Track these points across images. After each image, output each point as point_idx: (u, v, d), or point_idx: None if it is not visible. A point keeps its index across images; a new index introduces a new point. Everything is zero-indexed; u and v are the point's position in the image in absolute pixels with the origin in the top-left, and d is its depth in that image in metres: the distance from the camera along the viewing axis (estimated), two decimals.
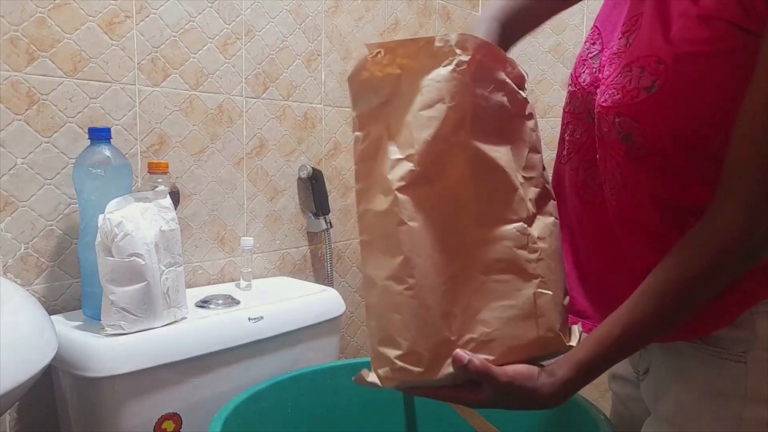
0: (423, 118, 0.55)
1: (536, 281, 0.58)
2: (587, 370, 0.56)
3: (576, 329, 0.62)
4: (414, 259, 0.54)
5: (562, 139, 0.70)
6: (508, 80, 0.59)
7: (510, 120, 0.59)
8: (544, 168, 0.62)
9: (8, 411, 0.90)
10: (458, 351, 0.55)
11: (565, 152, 0.69)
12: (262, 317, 0.96)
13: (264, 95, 1.21)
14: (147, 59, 1.02)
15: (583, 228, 0.68)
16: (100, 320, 0.83)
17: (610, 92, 0.58)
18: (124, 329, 0.82)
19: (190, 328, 0.89)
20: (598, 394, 1.00)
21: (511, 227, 0.58)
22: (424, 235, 0.55)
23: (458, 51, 0.56)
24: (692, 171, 0.55)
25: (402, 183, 0.54)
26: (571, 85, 0.67)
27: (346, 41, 1.36)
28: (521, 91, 0.61)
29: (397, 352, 0.54)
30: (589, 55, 0.64)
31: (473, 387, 0.56)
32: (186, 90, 1.08)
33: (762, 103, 0.49)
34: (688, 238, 0.53)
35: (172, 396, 0.86)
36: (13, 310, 0.67)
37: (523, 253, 0.58)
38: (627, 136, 0.56)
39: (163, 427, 0.86)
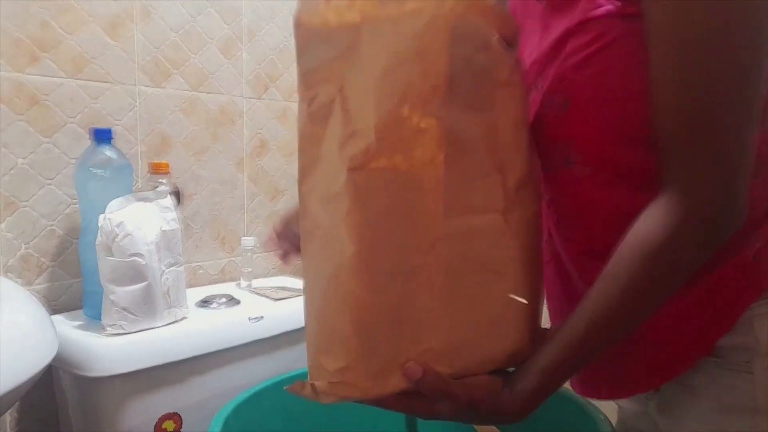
0: (387, 82, 0.44)
1: (508, 285, 0.50)
2: (553, 378, 0.51)
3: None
4: (366, 253, 0.45)
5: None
6: (495, 39, 0.48)
7: (493, 89, 0.48)
8: (529, 146, 0.53)
9: (9, 411, 0.90)
10: (411, 363, 0.47)
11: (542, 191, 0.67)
12: (262, 317, 0.96)
13: (265, 96, 1.21)
14: (148, 60, 1.03)
15: (561, 267, 0.64)
16: (101, 320, 0.83)
17: (539, 126, 0.57)
18: (124, 329, 0.82)
19: (190, 328, 0.89)
20: None
21: (482, 219, 0.48)
22: (380, 225, 0.45)
23: (434, 3, 0.44)
24: (645, 171, 0.53)
25: (356, 162, 0.44)
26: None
27: None
28: (511, 50, 0.50)
29: (338, 365, 0.46)
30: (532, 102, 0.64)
31: (427, 403, 0.50)
32: (187, 91, 1.09)
33: (665, 75, 0.47)
34: (643, 216, 0.50)
35: (172, 396, 0.86)
36: (14, 310, 0.67)
37: (496, 251, 0.49)
38: (566, 158, 0.56)
39: (163, 426, 0.86)
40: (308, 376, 0.48)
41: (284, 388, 0.49)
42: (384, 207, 0.45)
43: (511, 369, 0.53)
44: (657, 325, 0.55)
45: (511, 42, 0.50)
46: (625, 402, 0.73)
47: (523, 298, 0.51)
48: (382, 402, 0.50)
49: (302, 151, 0.48)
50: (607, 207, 0.56)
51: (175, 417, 0.87)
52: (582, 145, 0.54)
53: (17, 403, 0.91)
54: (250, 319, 0.95)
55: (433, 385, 0.48)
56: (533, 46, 0.60)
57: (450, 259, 0.47)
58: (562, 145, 0.56)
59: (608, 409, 0.79)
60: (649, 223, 0.49)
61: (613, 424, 0.77)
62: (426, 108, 0.45)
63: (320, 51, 0.46)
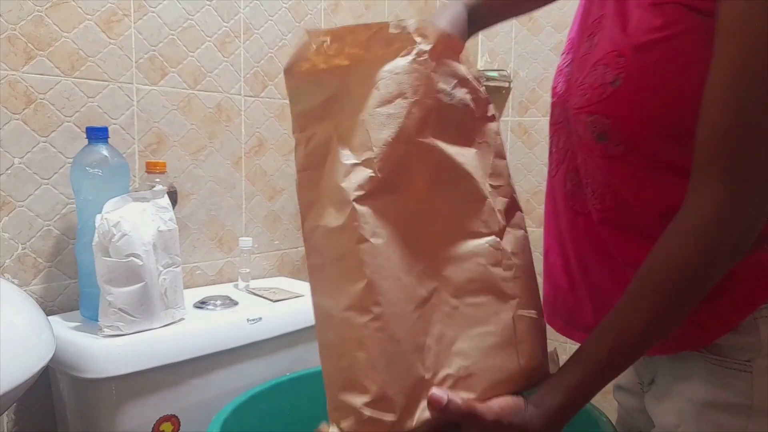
0: (381, 116, 0.47)
1: (514, 302, 0.52)
2: (580, 395, 0.51)
3: (554, 354, 0.58)
4: (379, 284, 0.45)
5: (550, 152, 0.70)
6: (469, 77, 0.53)
7: (474, 121, 0.53)
8: (509, 175, 0.57)
9: (6, 412, 0.90)
10: (434, 390, 0.47)
11: (554, 165, 0.69)
12: (260, 318, 0.96)
13: (263, 94, 1.21)
14: (145, 58, 1.03)
15: (575, 240, 0.66)
16: (98, 321, 0.83)
17: (580, 94, 0.58)
18: (121, 330, 0.82)
19: (188, 329, 0.89)
20: (600, 395, 1.00)
21: (482, 242, 0.51)
22: (390, 253, 0.46)
23: (418, 39, 0.48)
24: (679, 163, 0.54)
25: (361, 192, 0.46)
26: (551, 96, 0.68)
27: None
28: (482, 89, 0.55)
29: (365, 399, 0.45)
30: (564, 65, 0.65)
31: (455, 429, 0.50)
32: (184, 89, 1.09)
33: (724, 77, 0.48)
34: (668, 230, 0.51)
35: (170, 397, 0.86)
36: (11, 310, 0.67)
37: (498, 270, 0.51)
38: (602, 134, 0.56)
39: (161, 429, 0.86)
40: (330, 419, 0.48)
41: None
42: (390, 235, 0.47)
43: (531, 392, 0.54)
44: None
45: (479, 80, 0.56)
46: (624, 398, 0.74)
47: (530, 314, 0.53)
48: None
49: (302, 191, 0.49)
50: (632, 185, 0.56)
51: (173, 419, 0.87)
52: (622, 126, 0.55)
53: (14, 405, 0.91)
54: (248, 320, 0.95)
55: (458, 410, 0.48)
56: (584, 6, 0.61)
57: (457, 282, 0.49)
58: (600, 120, 0.56)
59: (609, 409, 0.79)
60: (680, 236, 0.50)
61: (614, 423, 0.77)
62: (420, 137, 0.48)
63: (312, 93, 0.49)
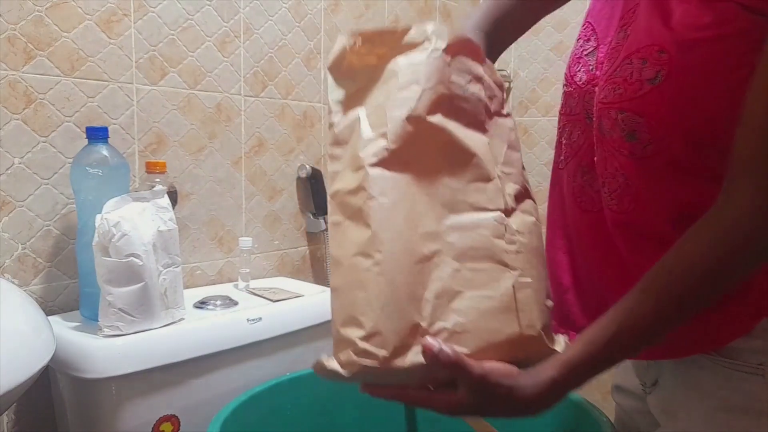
0: (397, 98, 0.54)
1: (515, 273, 0.55)
2: (576, 372, 0.51)
3: (562, 339, 0.58)
4: (382, 235, 0.51)
5: (559, 143, 0.68)
6: (486, 77, 0.58)
7: (487, 115, 0.58)
8: (524, 168, 0.60)
9: (6, 412, 0.90)
10: (428, 338, 0.50)
11: (562, 157, 0.67)
12: (260, 318, 0.96)
13: (263, 94, 1.22)
14: (145, 58, 1.03)
15: (582, 239, 0.65)
16: (98, 321, 0.83)
17: (611, 87, 0.56)
18: (121, 330, 0.82)
19: (188, 330, 0.90)
20: (600, 396, 1.01)
21: (487, 215, 0.55)
22: (395, 212, 0.52)
23: (433, 38, 0.55)
24: (705, 170, 0.52)
25: (374, 159, 0.53)
26: (566, 85, 0.66)
27: None
28: (500, 93, 0.60)
29: (361, 333, 0.51)
30: (584, 53, 0.63)
31: (446, 389, 0.52)
32: (184, 89, 1.09)
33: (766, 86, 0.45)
34: (693, 230, 0.50)
35: (170, 398, 0.86)
36: (11, 310, 0.67)
37: (501, 242, 0.55)
38: (631, 133, 0.54)
39: (161, 429, 0.86)
40: (333, 353, 0.53)
41: (311, 367, 0.53)
42: (398, 200, 0.53)
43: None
44: None
45: (500, 86, 0.61)
46: (624, 399, 0.74)
47: (530, 287, 0.55)
48: (403, 394, 0.53)
49: (331, 163, 0.56)
50: (652, 189, 0.55)
51: (173, 419, 0.87)
52: (656, 126, 0.53)
53: (14, 405, 0.92)
54: (248, 320, 0.95)
55: (447, 359, 0.49)
56: None
57: (459, 247, 0.53)
58: (632, 118, 0.54)
59: (610, 409, 0.79)
60: (699, 239, 0.49)
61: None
62: (431, 118, 0.54)
63: (348, 85, 0.58)
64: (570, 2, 0.76)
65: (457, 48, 0.56)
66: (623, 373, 0.73)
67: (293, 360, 1.02)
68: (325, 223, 1.31)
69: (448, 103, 0.55)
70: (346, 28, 1.35)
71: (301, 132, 1.30)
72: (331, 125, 0.57)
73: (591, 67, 0.61)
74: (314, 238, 1.35)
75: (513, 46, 0.80)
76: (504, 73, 1.61)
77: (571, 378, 0.51)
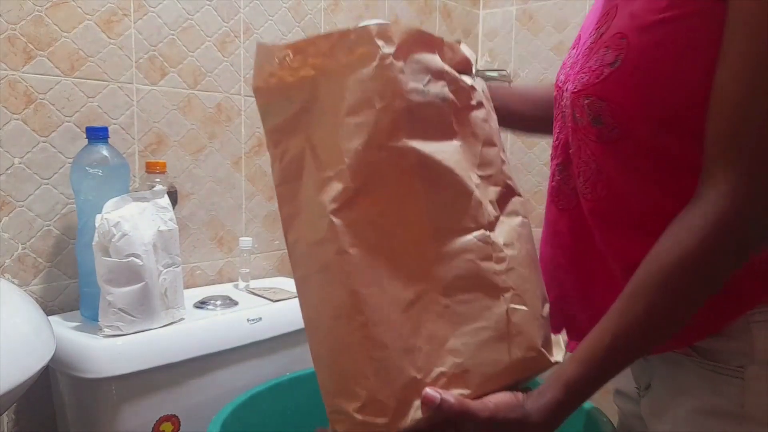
0: (350, 126, 0.47)
1: (508, 295, 0.51)
2: (578, 390, 0.51)
3: (560, 339, 0.57)
4: (362, 292, 0.46)
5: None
6: (447, 68, 0.51)
7: (455, 113, 0.52)
8: (503, 161, 0.55)
9: (6, 412, 0.90)
10: (428, 390, 0.47)
11: (551, 160, 0.68)
12: (260, 318, 0.96)
13: None
14: (145, 58, 1.03)
15: (560, 237, 0.65)
16: (98, 321, 0.83)
17: (579, 77, 0.57)
18: (121, 330, 0.83)
19: (188, 329, 0.90)
20: (599, 395, 1.01)
21: (470, 237, 0.50)
22: (371, 261, 0.47)
23: (380, 43, 0.47)
24: (674, 156, 0.53)
25: (336, 204, 0.47)
26: (555, 93, 0.67)
27: None
28: (466, 78, 0.53)
29: (356, 404, 0.47)
30: (569, 60, 0.65)
31: (451, 427, 0.50)
32: (184, 89, 1.09)
33: (738, 68, 0.46)
34: (675, 223, 0.49)
35: (170, 398, 0.86)
36: (11, 310, 0.67)
37: (489, 264, 0.51)
38: (597, 117, 0.55)
39: (161, 429, 0.86)
40: (329, 424, 0.49)
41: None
42: (371, 243, 0.47)
43: (529, 385, 0.53)
44: None
45: (464, 69, 0.53)
46: (623, 403, 0.74)
47: (524, 305, 0.52)
48: None
49: (282, 204, 0.51)
50: (624, 175, 0.55)
51: (173, 419, 0.87)
52: (618, 110, 0.53)
53: (15, 405, 0.92)
54: (248, 320, 0.95)
55: (452, 408, 0.48)
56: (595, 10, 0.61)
57: (446, 281, 0.49)
58: (596, 103, 0.55)
59: (610, 411, 0.80)
60: (683, 230, 0.48)
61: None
62: (392, 141, 0.48)
63: (282, 108, 0.49)
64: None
65: (408, 46, 0.49)
66: (622, 377, 0.73)
67: (293, 360, 1.02)
68: None
69: (409, 117, 0.48)
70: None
71: None
72: (273, 160, 0.51)
73: (568, 68, 0.63)
74: None
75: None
76: (504, 73, 1.61)
77: (577, 397, 0.51)
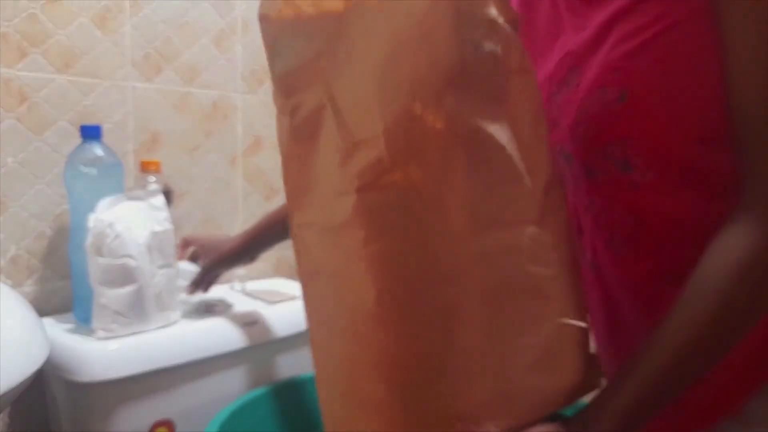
0: (389, 77, 0.37)
1: (557, 308, 0.44)
2: (632, 419, 0.44)
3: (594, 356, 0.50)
4: (392, 293, 0.38)
5: None
6: (500, 20, 0.42)
7: (507, 78, 0.42)
8: (548, 141, 0.47)
9: (0, 416, 0.91)
10: (460, 427, 0.41)
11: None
12: (257, 321, 0.97)
13: (260, 92, 1.23)
14: (140, 55, 1.04)
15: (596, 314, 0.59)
16: (92, 323, 0.84)
17: (586, 124, 0.51)
18: (115, 332, 0.83)
19: (183, 332, 0.91)
20: None
21: (519, 233, 0.42)
22: (403, 255, 0.38)
23: None
24: (707, 173, 0.49)
25: (366, 179, 0.38)
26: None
27: None
28: (516, 35, 0.44)
29: None
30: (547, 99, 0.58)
31: None
32: (180, 86, 1.10)
33: (748, 63, 0.43)
34: (721, 232, 0.45)
35: (165, 402, 0.87)
36: (4, 312, 0.68)
37: (538, 269, 0.43)
38: (624, 162, 0.50)
39: None
40: None
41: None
42: (404, 232, 0.38)
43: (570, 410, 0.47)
44: None
45: (515, 26, 0.44)
46: None
47: (575, 319, 0.45)
48: None
49: (288, 175, 0.41)
50: (675, 217, 0.50)
51: (169, 424, 0.88)
52: (645, 146, 0.49)
53: (7, 408, 0.93)
54: (244, 323, 0.96)
55: None
56: (559, 44, 0.55)
57: (486, 285, 0.41)
58: (618, 147, 0.50)
59: None
60: (734, 237, 0.45)
61: None
62: (440, 103, 0.38)
63: (297, 48, 0.39)
64: None
65: None
66: None
67: (291, 364, 1.02)
68: None
69: (461, 77, 0.39)
70: None
71: None
72: (281, 114, 0.41)
73: (559, 116, 0.55)
74: None
75: None
76: None
77: (630, 427, 0.45)
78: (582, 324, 0.45)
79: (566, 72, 0.53)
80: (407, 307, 0.38)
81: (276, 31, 0.40)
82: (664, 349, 0.44)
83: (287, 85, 0.41)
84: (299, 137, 0.40)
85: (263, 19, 0.40)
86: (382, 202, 0.38)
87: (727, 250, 0.44)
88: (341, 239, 0.39)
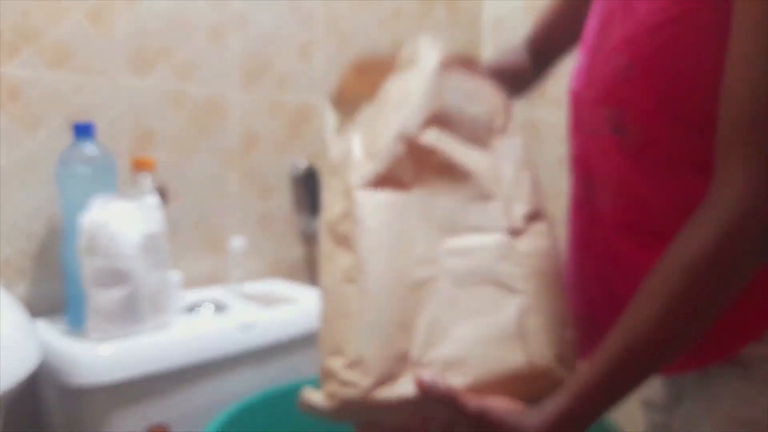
0: (389, 119, 0.55)
1: (521, 299, 0.52)
2: (586, 402, 0.48)
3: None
4: (368, 257, 0.51)
5: (568, 159, 0.69)
6: (488, 96, 0.60)
7: (488, 133, 0.59)
8: (538, 188, 0.59)
9: None
10: (421, 371, 0.48)
11: (570, 170, 0.69)
12: (253, 324, 0.97)
13: (256, 87, 1.23)
14: (133, 51, 1.04)
15: (588, 251, 0.66)
16: (84, 325, 0.84)
17: (593, 85, 0.59)
18: (108, 334, 0.84)
19: (177, 335, 0.91)
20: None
21: (489, 237, 0.54)
22: (383, 235, 0.52)
23: (425, 55, 0.57)
24: (694, 159, 0.53)
25: (361, 182, 0.54)
26: (568, 100, 0.67)
27: (344, 30, 1.37)
28: (506, 113, 0.61)
29: (342, 361, 0.49)
30: (579, 66, 0.66)
31: (443, 430, 0.50)
32: (174, 83, 1.10)
33: (747, 52, 0.46)
34: (689, 222, 0.48)
35: (160, 406, 0.88)
36: None
37: (505, 265, 0.53)
38: (617, 126, 0.57)
39: None
40: (320, 385, 0.52)
41: (298, 404, 0.52)
42: (387, 222, 0.53)
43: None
44: None
45: (507, 107, 0.62)
46: (652, 414, 0.74)
47: (539, 314, 0.53)
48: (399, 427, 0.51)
49: (325, 191, 0.59)
50: (649, 183, 0.56)
51: (163, 429, 0.88)
52: (638, 115, 0.55)
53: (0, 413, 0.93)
54: (241, 326, 0.96)
55: (440, 392, 0.47)
56: (599, 8, 0.62)
57: (458, 272, 0.53)
58: (615, 111, 0.56)
59: (628, 424, 0.80)
60: (696, 229, 0.47)
61: None
62: (424, 137, 0.55)
63: (343, 114, 0.62)
64: None
65: (451, 64, 0.58)
66: (652, 387, 0.73)
67: (288, 369, 1.03)
68: None
69: (443, 120, 0.56)
70: (357, 25, 1.36)
71: (296, 127, 1.31)
72: (327, 156, 0.60)
73: (581, 76, 0.64)
74: (310, 239, 1.36)
75: (521, 37, 0.82)
76: None
77: (585, 409, 0.48)
78: (539, 315, 0.53)
79: (598, 36, 0.59)
80: (381, 270, 0.51)
81: (339, 100, 0.66)
82: (617, 341, 0.49)
83: (335, 137, 0.63)
84: (334, 170, 0.59)
85: (334, 96, 0.65)
86: (370, 200, 0.53)
87: (681, 247, 0.48)
88: (342, 225, 0.54)
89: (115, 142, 1.03)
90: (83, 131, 0.90)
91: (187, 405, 0.91)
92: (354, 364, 0.49)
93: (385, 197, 0.53)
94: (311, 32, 1.31)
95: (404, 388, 0.49)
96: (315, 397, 0.51)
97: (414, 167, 0.55)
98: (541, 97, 1.66)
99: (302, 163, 1.29)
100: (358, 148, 0.56)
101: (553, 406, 0.48)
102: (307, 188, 1.31)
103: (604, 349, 0.49)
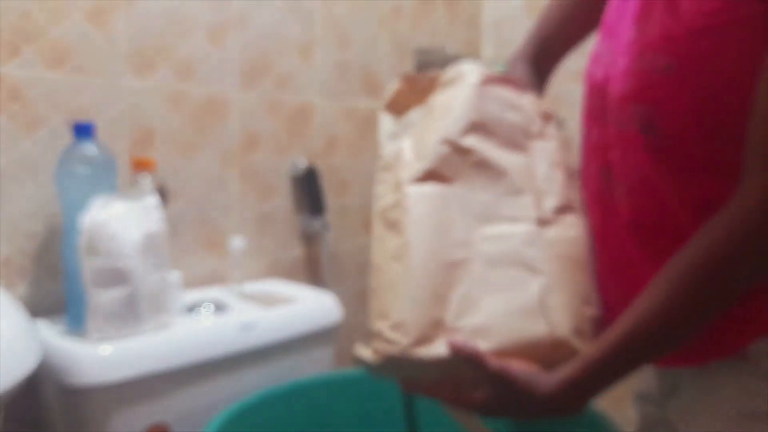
0: (435, 127, 0.65)
1: (543, 277, 0.61)
2: (598, 371, 0.54)
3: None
4: (414, 242, 0.61)
5: (582, 147, 0.71)
6: (526, 106, 0.69)
7: (526, 138, 0.68)
8: (573, 185, 0.68)
9: None
10: (455, 336, 0.57)
11: (584, 161, 0.70)
12: (254, 324, 0.98)
13: (256, 87, 1.23)
14: (133, 51, 1.05)
15: (603, 242, 0.67)
16: (85, 325, 0.85)
17: (626, 81, 0.59)
18: (109, 334, 0.84)
19: (177, 335, 0.91)
20: (611, 401, 1.02)
21: (519, 226, 0.63)
22: (427, 222, 0.62)
23: (468, 75, 0.67)
24: (722, 164, 0.54)
25: (411, 178, 0.64)
26: (585, 86, 0.68)
27: (344, 30, 1.38)
28: (545, 122, 0.70)
29: (387, 323, 0.60)
30: (604, 53, 0.66)
31: (470, 387, 0.58)
32: (174, 83, 1.11)
33: None
34: (709, 223, 0.52)
35: (160, 406, 0.88)
36: None
37: (531, 250, 0.62)
38: (647, 125, 0.57)
39: None
40: (370, 343, 0.62)
41: (354, 356, 0.62)
42: (430, 212, 0.63)
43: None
44: None
45: (546, 117, 0.71)
46: (645, 407, 0.75)
47: (559, 293, 0.62)
48: (432, 390, 0.61)
49: (377, 186, 0.68)
50: (670, 185, 0.57)
51: (164, 428, 0.89)
52: (670, 117, 0.55)
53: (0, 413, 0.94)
54: (241, 326, 0.97)
55: (467, 352, 0.56)
56: None
57: (489, 255, 0.62)
58: (647, 109, 0.57)
59: (622, 419, 0.81)
60: (717, 228, 0.51)
61: None
62: (463, 140, 0.65)
63: (395, 122, 0.73)
64: None
65: (491, 81, 0.67)
66: (644, 379, 0.75)
67: (288, 368, 1.03)
68: (322, 223, 1.32)
69: (482, 127, 0.65)
70: (357, 25, 1.37)
71: (296, 127, 1.32)
72: (381, 155, 0.70)
73: (607, 65, 0.64)
74: (310, 239, 1.36)
75: (521, 35, 0.83)
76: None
77: (592, 377, 0.54)
78: (561, 293, 0.62)
79: (638, 17, 0.60)
80: (424, 253, 0.61)
81: (391, 111, 0.76)
82: (629, 319, 0.54)
83: (388, 141, 0.73)
84: (386, 168, 0.69)
85: (387, 106, 0.76)
86: (418, 192, 0.63)
87: (701, 241, 0.52)
88: (393, 212, 0.64)
89: (115, 142, 1.04)
90: (83, 131, 0.91)
91: (187, 405, 0.91)
92: (397, 326, 0.59)
93: (429, 190, 0.63)
94: (311, 32, 1.32)
95: (438, 348, 0.58)
96: (364, 352, 0.61)
97: (456, 166, 0.64)
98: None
99: (302, 163, 1.30)
100: (408, 151, 0.66)
101: (563, 372, 0.55)
102: (307, 188, 1.32)
103: (615, 327, 0.54)
